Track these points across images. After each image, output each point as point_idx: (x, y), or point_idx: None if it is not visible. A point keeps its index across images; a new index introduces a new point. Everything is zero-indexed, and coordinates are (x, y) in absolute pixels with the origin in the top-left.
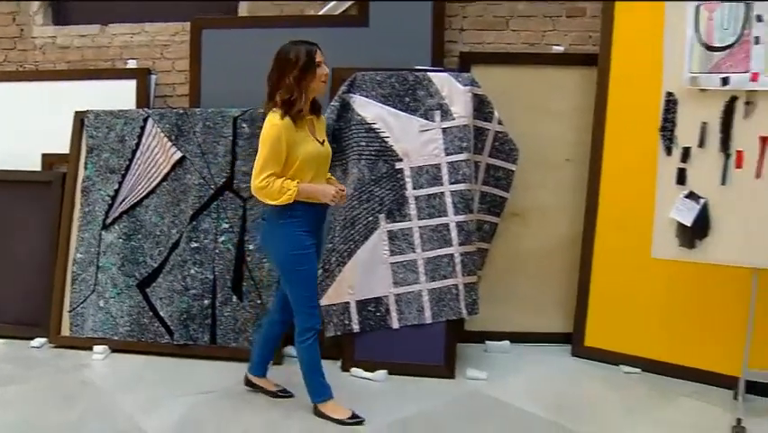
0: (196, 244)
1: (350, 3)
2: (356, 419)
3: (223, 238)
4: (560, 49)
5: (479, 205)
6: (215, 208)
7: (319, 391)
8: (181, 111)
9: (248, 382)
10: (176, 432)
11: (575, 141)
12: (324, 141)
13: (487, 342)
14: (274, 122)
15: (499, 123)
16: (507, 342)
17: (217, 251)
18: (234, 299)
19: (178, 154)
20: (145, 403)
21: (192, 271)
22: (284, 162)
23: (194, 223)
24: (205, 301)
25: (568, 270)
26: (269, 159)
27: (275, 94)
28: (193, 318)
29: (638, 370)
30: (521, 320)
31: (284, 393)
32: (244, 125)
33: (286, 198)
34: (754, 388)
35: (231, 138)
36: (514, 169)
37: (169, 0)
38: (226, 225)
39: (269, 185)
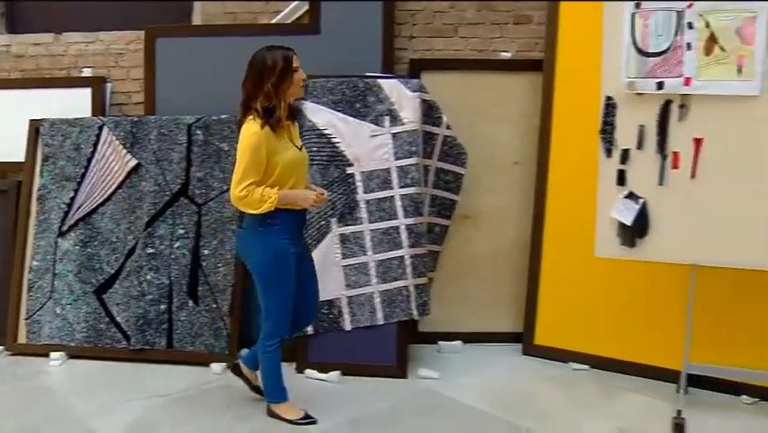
0: (152, 250)
1: (303, 11)
2: (308, 420)
3: (178, 244)
4: (507, 55)
5: (429, 208)
6: (171, 215)
7: (275, 393)
8: (136, 119)
9: (235, 368)
10: None
11: (523, 144)
12: (301, 146)
13: (440, 342)
14: (253, 130)
15: (448, 127)
16: (460, 342)
17: (173, 256)
18: (190, 303)
19: (134, 162)
20: (100, 407)
21: (148, 277)
22: (264, 171)
23: (149, 229)
24: (162, 306)
25: (518, 270)
26: (248, 168)
27: (252, 101)
28: (149, 323)
29: (587, 367)
30: (473, 321)
31: (262, 393)
32: (198, 132)
33: (267, 207)
34: (698, 381)
35: (185, 145)
36: (463, 172)
37: (123, 0)
38: (182, 231)
39: (249, 194)
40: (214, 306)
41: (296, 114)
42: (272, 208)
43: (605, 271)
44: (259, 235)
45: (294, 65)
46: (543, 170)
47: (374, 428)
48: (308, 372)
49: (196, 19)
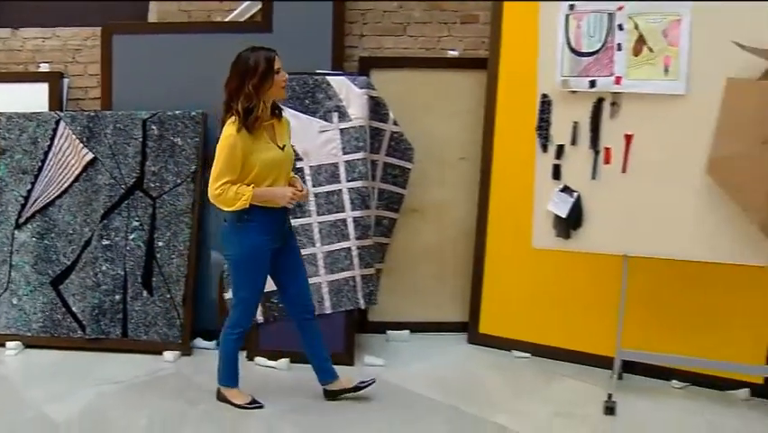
0: (107, 242)
1: (256, 9)
2: (255, 405)
3: (133, 236)
4: (455, 53)
5: (377, 201)
6: (126, 207)
7: (227, 377)
8: (92, 114)
9: (327, 394)
10: (81, 419)
11: (469, 140)
12: (284, 145)
13: (388, 332)
14: (229, 132)
15: (395, 123)
16: (408, 332)
17: (128, 248)
18: (145, 293)
19: (90, 155)
20: (54, 394)
21: (104, 268)
22: (241, 170)
23: (105, 221)
24: (117, 296)
25: (465, 262)
26: (224, 168)
27: (233, 102)
28: (105, 313)
29: (528, 354)
30: (421, 311)
31: (364, 383)
32: (153, 127)
33: (240, 204)
34: (633, 368)
35: (140, 140)
36: (410, 167)
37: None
38: (136, 223)
39: (224, 192)
40: (168, 296)
41: (281, 111)
42: (246, 206)
43: (545, 262)
44: (236, 231)
45: (276, 66)
46: (486, 164)
47: (318, 412)
48: (258, 359)
49: (152, 17)
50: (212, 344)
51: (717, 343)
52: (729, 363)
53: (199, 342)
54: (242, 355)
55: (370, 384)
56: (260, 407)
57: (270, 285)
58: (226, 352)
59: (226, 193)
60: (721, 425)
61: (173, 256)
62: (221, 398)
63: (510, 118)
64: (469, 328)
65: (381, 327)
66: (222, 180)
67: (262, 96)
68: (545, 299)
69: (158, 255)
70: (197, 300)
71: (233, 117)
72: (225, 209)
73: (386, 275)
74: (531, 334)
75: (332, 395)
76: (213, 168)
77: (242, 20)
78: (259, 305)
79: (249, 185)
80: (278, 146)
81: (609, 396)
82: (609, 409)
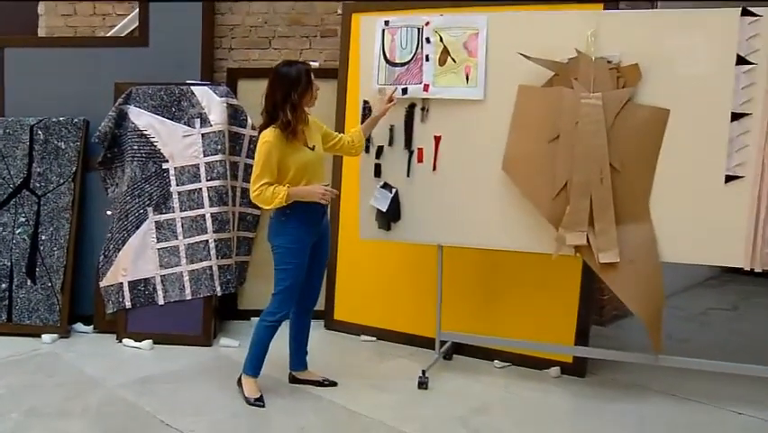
0: None
1: (134, 26)
2: (257, 403)
3: (19, 230)
4: (315, 64)
5: (241, 199)
6: (14, 204)
7: (252, 365)
8: None
9: (292, 379)
10: None
11: None
12: (314, 146)
13: (253, 318)
14: (266, 138)
15: (253, 128)
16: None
17: (14, 241)
18: (29, 282)
19: None
20: None
21: None
22: (278, 172)
23: None
24: (3, 285)
25: None
26: (262, 171)
27: (279, 111)
28: None
29: (374, 338)
30: None
31: (329, 382)
32: (40, 132)
33: (278, 202)
34: (461, 350)
35: (28, 143)
36: None
37: None
38: (23, 219)
39: (262, 192)
40: (49, 284)
41: (307, 118)
42: (284, 203)
43: (384, 253)
44: (279, 225)
45: (312, 80)
46: (338, 163)
47: (164, 382)
48: (125, 340)
49: (42, 32)
50: (89, 328)
51: (534, 326)
52: (541, 343)
53: (79, 326)
54: (112, 337)
55: (330, 385)
56: (262, 406)
57: (138, 274)
58: (257, 339)
59: (264, 193)
60: (525, 397)
61: (55, 249)
62: (239, 382)
63: (356, 121)
64: (325, 315)
65: (249, 314)
66: (260, 182)
67: (303, 105)
68: (388, 288)
69: (41, 248)
70: (78, 289)
71: (276, 125)
72: (266, 207)
73: (253, 266)
74: (376, 319)
75: (296, 381)
76: (253, 171)
77: (123, 35)
78: (296, 298)
79: (286, 185)
80: (309, 147)
81: (423, 372)
82: (422, 384)
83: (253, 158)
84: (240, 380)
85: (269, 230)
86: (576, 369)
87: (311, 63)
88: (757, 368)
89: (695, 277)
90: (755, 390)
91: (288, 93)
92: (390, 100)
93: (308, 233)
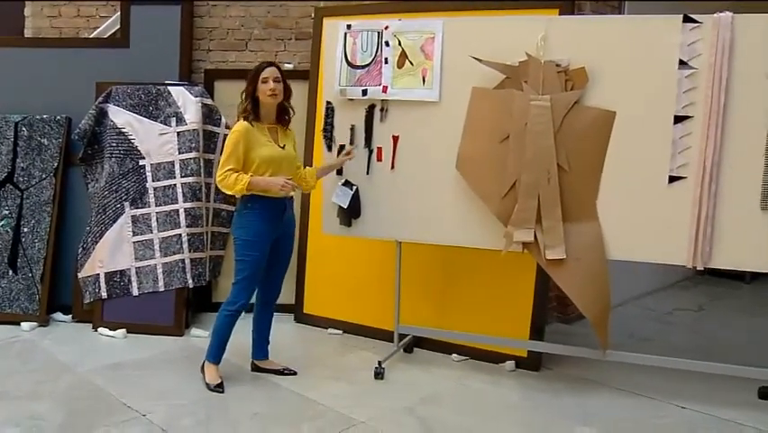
0: None
1: (116, 27)
2: (217, 390)
3: (2, 222)
4: (290, 66)
5: (215, 196)
6: None
7: (212, 352)
8: None
9: (254, 368)
10: None
11: (299, 143)
12: (284, 145)
13: None
14: (235, 128)
15: (227, 127)
16: (244, 311)
17: None
18: (10, 272)
19: None
20: None
21: None
22: (244, 161)
23: None
24: None
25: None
26: (227, 157)
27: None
28: None
29: (340, 332)
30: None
31: (289, 372)
32: (24, 129)
33: (239, 188)
34: (421, 343)
35: (12, 139)
36: None
37: None
38: (6, 212)
39: (226, 178)
40: (30, 275)
41: (288, 121)
42: (245, 191)
43: (353, 249)
44: (241, 216)
45: (262, 76)
46: (308, 161)
47: (131, 368)
48: (101, 329)
49: (28, 32)
50: (68, 317)
51: (490, 320)
52: (495, 337)
53: (58, 315)
54: (88, 326)
55: (290, 374)
56: (221, 392)
57: (114, 266)
58: (219, 327)
59: (228, 179)
60: (476, 389)
61: (36, 241)
62: (201, 369)
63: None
64: (295, 309)
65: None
66: (225, 168)
67: (261, 97)
68: (355, 283)
69: (23, 240)
70: (57, 279)
71: (243, 117)
72: (228, 192)
73: (227, 260)
74: (344, 314)
75: (258, 369)
76: (221, 158)
77: (105, 36)
78: (256, 289)
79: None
80: (279, 146)
81: (380, 363)
82: (378, 375)
83: None
84: (203, 367)
85: (233, 220)
86: (530, 363)
87: (285, 65)
88: (699, 363)
89: (667, 279)
90: (702, 386)
91: (248, 86)
92: (348, 154)
93: (268, 228)
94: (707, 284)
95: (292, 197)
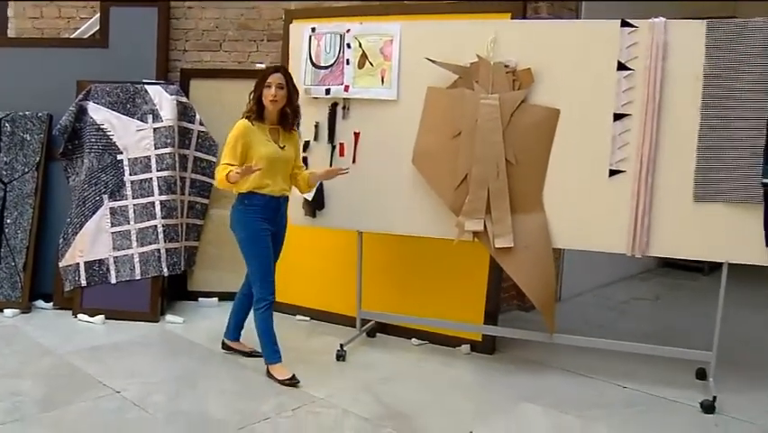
0: None
1: (96, 28)
2: (292, 382)
3: None
4: (262, 66)
5: (190, 189)
6: None
7: (269, 354)
8: None
9: (224, 346)
10: None
11: None
12: (285, 146)
13: (200, 299)
14: (237, 125)
15: (201, 123)
16: (216, 299)
17: None
18: None
19: None
20: None
21: None
22: (242, 158)
23: None
24: None
25: None
26: (226, 154)
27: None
28: None
29: (308, 318)
30: (229, 282)
31: (257, 354)
32: (7, 125)
33: (220, 177)
34: (385, 329)
35: None
36: (215, 160)
37: None
38: None
39: (218, 171)
40: (13, 264)
41: (291, 125)
42: (222, 178)
43: (320, 238)
44: (238, 213)
45: (267, 81)
46: None
47: (109, 351)
48: (80, 316)
49: (11, 33)
50: (49, 305)
51: (447, 306)
52: (452, 322)
53: (40, 303)
54: (68, 313)
55: (257, 356)
56: (296, 384)
57: (94, 255)
58: (260, 328)
59: (218, 172)
60: (431, 370)
61: (18, 231)
62: (268, 374)
63: None
64: None
65: (197, 295)
66: (224, 162)
67: (264, 100)
68: (322, 271)
69: (6, 231)
70: (39, 268)
71: (246, 116)
72: (219, 187)
73: (200, 251)
74: (311, 301)
75: (227, 348)
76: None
77: (85, 37)
78: (273, 279)
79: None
80: (280, 146)
81: (341, 346)
82: (340, 357)
83: (202, 151)
84: (268, 371)
85: (231, 219)
86: (485, 347)
87: (257, 65)
88: (641, 346)
89: (627, 270)
90: (645, 368)
91: (255, 89)
92: (342, 170)
93: (266, 223)
94: (666, 276)
95: (287, 196)
